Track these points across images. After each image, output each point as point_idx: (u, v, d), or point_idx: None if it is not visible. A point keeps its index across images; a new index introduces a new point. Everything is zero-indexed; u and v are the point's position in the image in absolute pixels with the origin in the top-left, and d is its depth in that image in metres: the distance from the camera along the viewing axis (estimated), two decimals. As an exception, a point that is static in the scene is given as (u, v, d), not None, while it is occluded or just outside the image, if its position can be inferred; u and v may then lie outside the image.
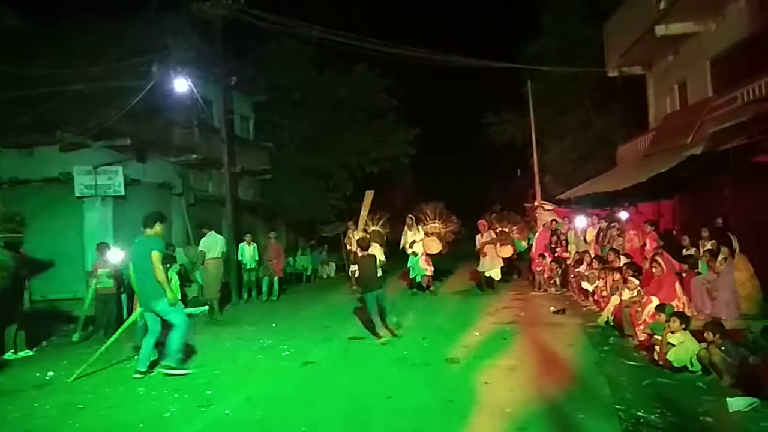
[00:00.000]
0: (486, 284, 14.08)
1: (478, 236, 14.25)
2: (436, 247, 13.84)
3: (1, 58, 12.48)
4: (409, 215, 14.33)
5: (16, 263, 9.02)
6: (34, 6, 17.93)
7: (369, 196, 13.26)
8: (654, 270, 8.60)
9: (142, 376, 7.04)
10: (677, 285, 8.49)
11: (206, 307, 12.28)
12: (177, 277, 12.39)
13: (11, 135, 13.26)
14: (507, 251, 14.16)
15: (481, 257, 14.07)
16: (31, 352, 8.88)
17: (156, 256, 7.05)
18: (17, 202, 13.21)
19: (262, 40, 20.09)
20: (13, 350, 8.74)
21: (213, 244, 12.33)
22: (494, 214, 15.21)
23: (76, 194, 13.16)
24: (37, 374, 7.50)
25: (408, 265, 14.20)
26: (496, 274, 13.95)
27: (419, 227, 14.04)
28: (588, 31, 18.94)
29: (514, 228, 14.61)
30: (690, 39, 13.65)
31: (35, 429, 5.52)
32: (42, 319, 10.87)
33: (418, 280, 13.97)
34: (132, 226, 13.38)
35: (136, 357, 8.23)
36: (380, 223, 13.45)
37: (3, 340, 8.80)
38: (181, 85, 14.15)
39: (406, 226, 14.23)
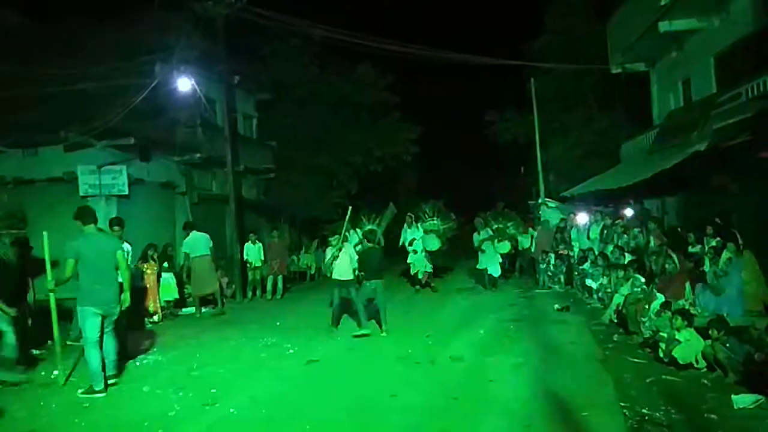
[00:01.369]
0: (488, 281, 14.10)
1: (476, 234, 14.32)
2: (435, 244, 13.97)
3: (5, 58, 12.52)
4: (408, 214, 14.59)
5: (19, 260, 8.99)
6: (37, 6, 17.93)
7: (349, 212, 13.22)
8: (667, 266, 8.59)
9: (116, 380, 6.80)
10: (687, 284, 8.48)
11: (193, 309, 12.35)
12: (174, 277, 12.55)
13: (16, 135, 13.30)
14: (505, 247, 14.19)
15: (479, 254, 14.13)
16: (36, 352, 8.88)
17: (123, 256, 6.89)
18: (22, 201, 13.29)
19: (264, 38, 20.10)
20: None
21: (196, 242, 12.35)
22: (489, 212, 15.31)
23: (81, 194, 13.18)
24: (43, 373, 7.52)
25: (408, 262, 14.33)
26: (495, 270, 13.99)
27: (418, 225, 14.20)
28: (591, 27, 18.91)
29: (509, 224, 14.65)
30: (694, 35, 13.60)
31: (41, 428, 5.54)
32: (47, 318, 10.88)
33: (420, 276, 14.12)
34: (136, 225, 13.46)
35: (142, 356, 8.27)
36: (377, 222, 13.53)
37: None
38: (185, 84, 14.17)
39: (405, 224, 14.42)
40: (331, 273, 9.59)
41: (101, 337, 6.58)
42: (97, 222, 6.93)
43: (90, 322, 6.50)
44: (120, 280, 6.91)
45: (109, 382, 6.65)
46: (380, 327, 9.31)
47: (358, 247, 10.17)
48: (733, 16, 12.07)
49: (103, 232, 7.15)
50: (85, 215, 6.83)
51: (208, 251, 12.38)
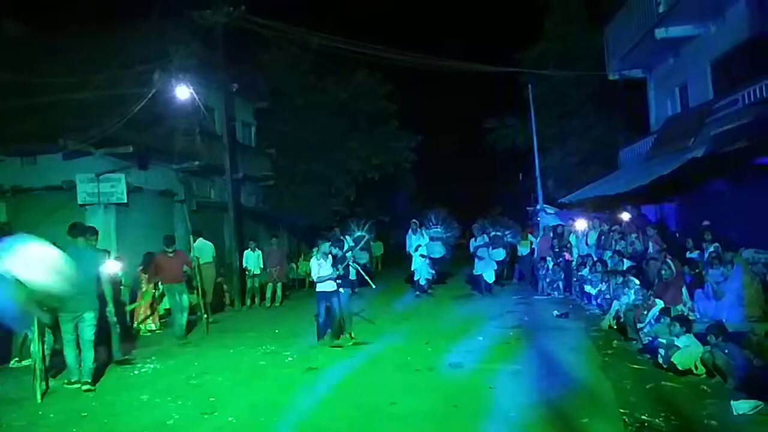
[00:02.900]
0: (484, 288, 14.12)
1: (472, 240, 14.39)
2: (439, 251, 14.03)
3: (4, 67, 12.55)
4: (413, 220, 14.58)
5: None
6: (36, 15, 17.98)
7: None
8: (663, 272, 8.59)
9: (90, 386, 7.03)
10: (684, 289, 8.49)
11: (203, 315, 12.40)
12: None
13: (14, 143, 13.31)
14: (499, 254, 14.21)
15: (475, 261, 14.17)
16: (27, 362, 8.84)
17: (104, 271, 7.47)
18: (20, 210, 13.28)
19: (263, 46, 20.15)
20: (17, 358, 8.73)
21: (204, 249, 12.70)
22: (487, 218, 15.36)
23: (79, 202, 13.19)
24: (42, 382, 7.49)
25: (412, 268, 14.35)
26: (489, 276, 14.01)
27: (423, 231, 14.23)
28: (588, 35, 18.98)
29: (507, 231, 14.67)
30: (690, 42, 13.66)
31: (39, 437, 5.52)
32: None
33: (422, 282, 14.17)
34: (135, 233, 13.47)
35: (140, 365, 8.23)
36: (365, 229, 13.49)
37: (10, 348, 8.80)
38: (183, 92, 14.19)
39: (410, 231, 14.44)
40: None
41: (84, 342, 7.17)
42: (86, 235, 7.50)
43: (66, 327, 7.14)
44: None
45: (83, 388, 6.96)
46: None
47: (349, 254, 10.01)
48: (729, 22, 12.12)
49: (92, 247, 7.68)
50: (74, 229, 7.50)
51: (211, 259, 12.62)
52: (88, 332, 7.15)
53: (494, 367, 7.27)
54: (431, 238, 14.16)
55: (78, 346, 7.14)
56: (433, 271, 14.40)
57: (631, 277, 9.21)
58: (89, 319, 7.16)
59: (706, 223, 10.47)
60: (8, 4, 16.68)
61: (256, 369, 7.89)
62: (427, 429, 5.28)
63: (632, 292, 9.00)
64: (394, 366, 7.56)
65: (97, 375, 7.44)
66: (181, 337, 10.20)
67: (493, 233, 14.41)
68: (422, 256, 14.11)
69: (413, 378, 7.00)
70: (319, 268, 9.15)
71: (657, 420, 5.13)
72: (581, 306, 11.91)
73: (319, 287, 9.21)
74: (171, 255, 10.40)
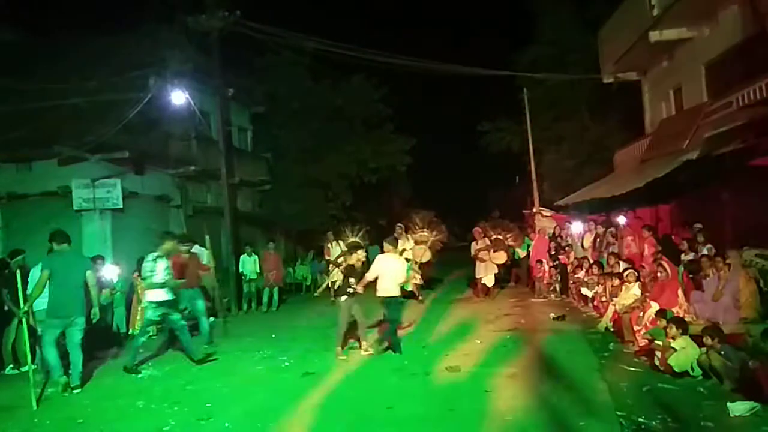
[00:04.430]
0: (481, 291, 14.09)
1: (473, 243, 14.34)
2: (425, 255, 13.88)
3: (-1, 73, 12.55)
4: (398, 224, 14.42)
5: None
6: (31, 21, 17.99)
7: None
8: (659, 274, 8.61)
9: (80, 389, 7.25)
10: (680, 291, 8.50)
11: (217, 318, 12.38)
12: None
13: (9, 150, 13.29)
14: (501, 258, 14.17)
15: (476, 264, 14.13)
16: (33, 366, 8.80)
17: (92, 275, 7.55)
18: (16, 216, 13.25)
19: (258, 51, 20.19)
20: (12, 365, 8.69)
21: (203, 255, 12.48)
22: (488, 222, 15.31)
23: (75, 208, 13.17)
24: (37, 389, 7.46)
25: None
26: (489, 280, 13.97)
27: (408, 236, 14.08)
28: (583, 37, 19.05)
29: (509, 235, 14.63)
30: (684, 44, 13.72)
31: (35, 444, 5.50)
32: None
33: (408, 288, 13.99)
34: (131, 238, 13.43)
35: (140, 374, 8.14)
36: (360, 235, 13.39)
37: (1, 355, 8.76)
38: (179, 97, 14.18)
39: (395, 235, 14.28)
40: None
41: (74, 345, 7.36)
42: (70, 242, 7.62)
43: (50, 331, 7.35)
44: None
45: (75, 392, 7.17)
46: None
47: (340, 259, 9.83)
48: (723, 25, 12.19)
49: (74, 251, 7.91)
50: (57, 236, 7.56)
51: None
52: (78, 335, 7.33)
53: (491, 370, 7.27)
54: (416, 242, 13.97)
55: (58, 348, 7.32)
56: (419, 275, 14.18)
57: (631, 283, 9.19)
58: (81, 323, 7.34)
59: (698, 225, 10.51)
60: (2, 10, 16.66)
61: (252, 374, 7.87)
62: (423, 433, 5.27)
63: (635, 286, 8.95)
64: (390, 370, 7.55)
65: (96, 380, 7.44)
66: (210, 342, 9.82)
67: (494, 236, 14.36)
68: (406, 260, 13.81)
69: (410, 382, 6.99)
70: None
71: (653, 422, 5.13)
72: (578, 308, 11.91)
73: (398, 293, 8.64)
74: (187, 255, 9.96)
